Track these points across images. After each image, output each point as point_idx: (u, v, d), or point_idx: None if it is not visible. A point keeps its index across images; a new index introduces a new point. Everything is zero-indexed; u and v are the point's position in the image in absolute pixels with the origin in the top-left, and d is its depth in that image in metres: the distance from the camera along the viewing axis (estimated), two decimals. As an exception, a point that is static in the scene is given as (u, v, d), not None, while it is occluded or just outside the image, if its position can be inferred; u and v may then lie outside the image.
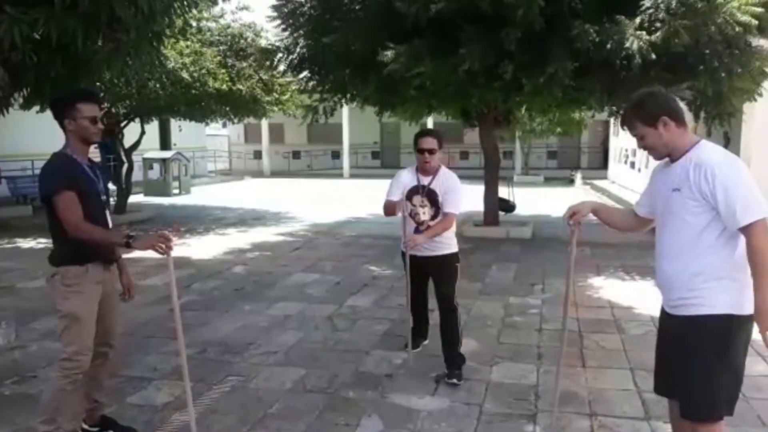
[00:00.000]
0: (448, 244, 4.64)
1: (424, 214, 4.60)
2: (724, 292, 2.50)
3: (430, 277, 4.76)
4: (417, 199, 4.62)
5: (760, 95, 8.88)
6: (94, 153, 15.58)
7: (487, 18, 7.34)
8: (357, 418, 3.90)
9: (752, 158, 10.09)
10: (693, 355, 2.57)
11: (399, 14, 7.71)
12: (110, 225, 3.43)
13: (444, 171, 4.69)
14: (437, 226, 4.51)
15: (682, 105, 2.60)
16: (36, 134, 16.44)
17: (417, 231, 4.61)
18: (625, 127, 2.76)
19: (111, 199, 3.54)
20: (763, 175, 10.04)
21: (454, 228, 4.68)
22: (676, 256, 2.61)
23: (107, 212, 3.42)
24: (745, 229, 2.43)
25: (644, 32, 6.89)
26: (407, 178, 4.72)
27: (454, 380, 4.45)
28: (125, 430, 3.67)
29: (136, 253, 3.50)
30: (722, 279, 2.51)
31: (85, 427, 3.61)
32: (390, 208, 4.58)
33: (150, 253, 3.25)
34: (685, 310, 2.58)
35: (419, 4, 7.35)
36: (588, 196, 19.47)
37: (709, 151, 2.55)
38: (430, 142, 4.57)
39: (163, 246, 3.08)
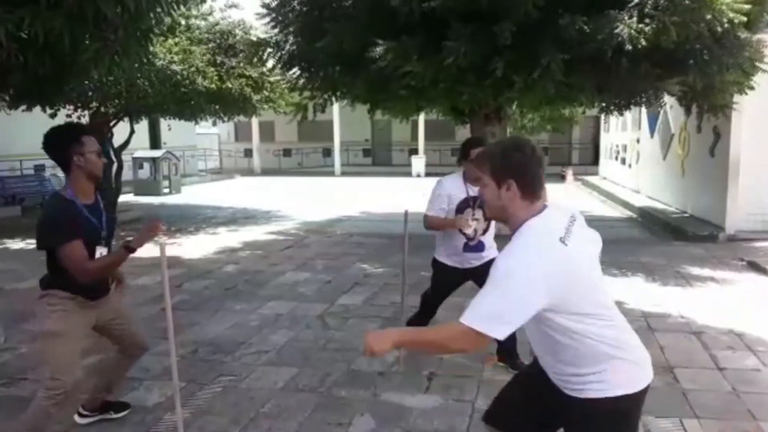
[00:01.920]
0: (494, 246, 4.42)
1: (483, 226, 4.28)
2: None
3: (474, 283, 4.37)
4: (468, 212, 4.23)
5: (752, 88, 8.92)
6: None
7: (481, 14, 7.32)
8: (349, 417, 3.90)
9: (742, 153, 10.14)
10: None
11: (390, 11, 7.67)
12: None
13: None
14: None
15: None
16: (24, 134, 16.39)
17: (466, 247, 4.31)
18: (475, 162, 2.42)
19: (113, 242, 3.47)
20: (753, 171, 10.14)
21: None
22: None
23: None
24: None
25: (634, 20, 6.90)
26: (454, 188, 4.26)
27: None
28: (121, 405, 3.90)
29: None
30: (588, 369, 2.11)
31: (84, 412, 3.75)
32: (438, 225, 4.25)
33: (141, 253, 3.23)
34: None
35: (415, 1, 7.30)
36: (578, 192, 19.52)
37: (517, 235, 2.10)
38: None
39: (156, 232, 3.15)
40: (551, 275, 1.96)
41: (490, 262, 3.59)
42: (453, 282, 4.53)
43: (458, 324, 1.96)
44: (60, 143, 3.15)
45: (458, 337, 1.99)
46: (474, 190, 4.13)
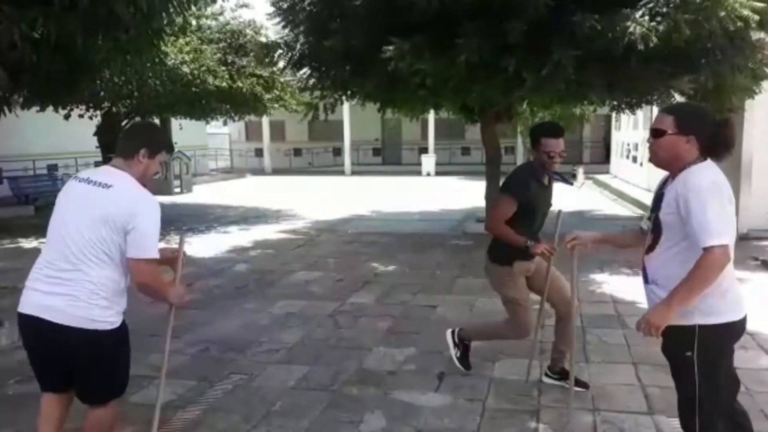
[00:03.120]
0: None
1: (648, 240, 2.82)
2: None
3: None
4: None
5: (757, 93, 8.88)
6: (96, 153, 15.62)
7: (492, 11, 7.30)
8: (360, 415, 3.90)
9: (754, 152, 10.06)
10: None
11: (400, 8, 7.67)
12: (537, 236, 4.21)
13: (693, 171, 2.60)
14: (686, 282, 2.53)
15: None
16: (37, 134, 16.51)
17: (645, 277, 2.91)
18: None
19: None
20: (766, 169, 10.05)
21: (717, 275, 2.49)
22: None
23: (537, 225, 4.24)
24: None
25: (647, 18, 6.86)
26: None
27: None
28: (580, 383, 4.11)
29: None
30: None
31: (548, 372, 4.34)
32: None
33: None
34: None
35: None
36: (590, 191, 19.44)
37: None
38: (658, 120, 2.69)
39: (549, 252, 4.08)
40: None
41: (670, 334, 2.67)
42: None
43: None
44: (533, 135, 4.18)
45: None
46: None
